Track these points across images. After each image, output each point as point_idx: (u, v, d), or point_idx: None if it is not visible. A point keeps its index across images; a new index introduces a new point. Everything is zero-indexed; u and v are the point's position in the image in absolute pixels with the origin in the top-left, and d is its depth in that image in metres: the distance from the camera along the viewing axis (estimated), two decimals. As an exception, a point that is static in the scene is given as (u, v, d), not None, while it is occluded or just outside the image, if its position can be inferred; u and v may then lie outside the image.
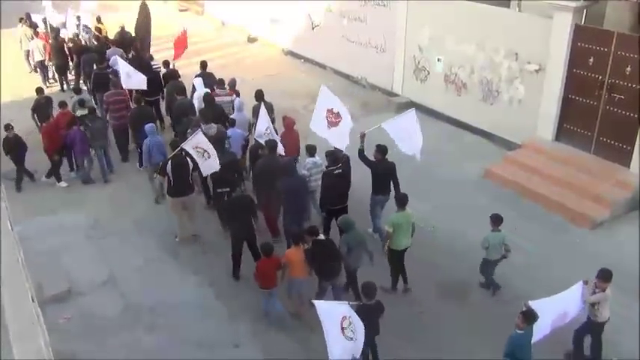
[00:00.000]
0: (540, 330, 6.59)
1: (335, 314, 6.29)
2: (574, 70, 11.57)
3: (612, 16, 11.87)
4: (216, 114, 11.13)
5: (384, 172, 9.56)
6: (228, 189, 9.39)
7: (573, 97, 11.73)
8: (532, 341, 6.50)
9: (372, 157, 9.66)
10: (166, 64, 14.07)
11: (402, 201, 8.52)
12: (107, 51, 15.33)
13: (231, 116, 11.27)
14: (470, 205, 11.06)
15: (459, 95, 14.29)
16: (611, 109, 11.11)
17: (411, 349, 7.87)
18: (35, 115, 12.88)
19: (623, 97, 10.88)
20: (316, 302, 6.41)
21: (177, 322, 8.46)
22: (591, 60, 11.23)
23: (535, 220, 10.61)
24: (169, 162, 9.63)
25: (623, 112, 10.92)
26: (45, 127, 11.99)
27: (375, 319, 6.84)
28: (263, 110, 10.48)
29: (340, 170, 9.35)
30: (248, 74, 13.90)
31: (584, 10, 11.36)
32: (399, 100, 15.87)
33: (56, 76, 17.24)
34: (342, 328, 6.25)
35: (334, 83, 17.79)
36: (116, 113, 12.56)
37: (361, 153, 9.64)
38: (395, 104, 15.73)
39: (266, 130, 10.26)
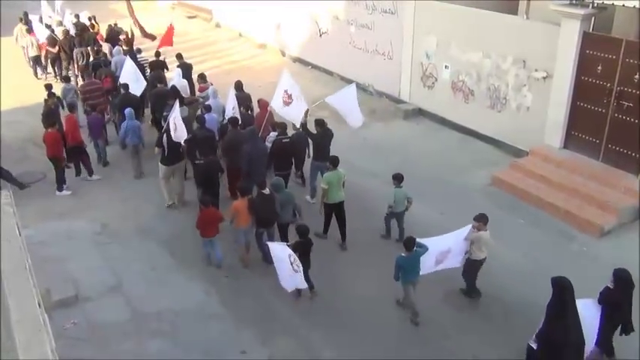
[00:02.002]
0: (427, 264, 8.09)
1: (284, 253, 8.04)
2: (582, 78, 11.54)
3: (621, 24, 11.83)
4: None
5: (322, 141, 11.02)
6: (203, 159, 10.65)
7: (581, 104, 11.69)
8: (421, 272, 8.06)
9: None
10: (157, 54, 15.75)
11: (333, 162, 9.94)
12: (113, 53, 16.04)
13: (207, 102, 12.66)
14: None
15: (467, 102, 14.27)
16: (620, 116, 11.06)
17: None
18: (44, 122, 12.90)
19: (631, 104, 10.83)
20: (270, 244, 8.54)
21: (183, 329, 8.45)
22: (599, 67, 11.20)
23: (542, 228, 10.57)
24: (164, 135, 10.96)
25: (632, 120, 10.87)
26: (50, 134, 11.79)
27: (307, 253, 8.51)
28: (231, 94, 12.19)
29: (288, 139, 10.97)
30: (255, 80, 13.97)
31: (593, 18, 11.33)
32: (406, 107, 15.87)
33: (50, 68, 18.47)
34: (291, 263, 7.93)
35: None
36: (91, 101, 13.48)
37: (304, 126, 11.20)
38: (402, 111, 15.75)
39: (232, 109, 11.93)
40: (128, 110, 12.28)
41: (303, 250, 8.44)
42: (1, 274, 2.80)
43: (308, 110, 11.29)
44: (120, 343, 8.21)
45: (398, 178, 9.80)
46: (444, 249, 8.21)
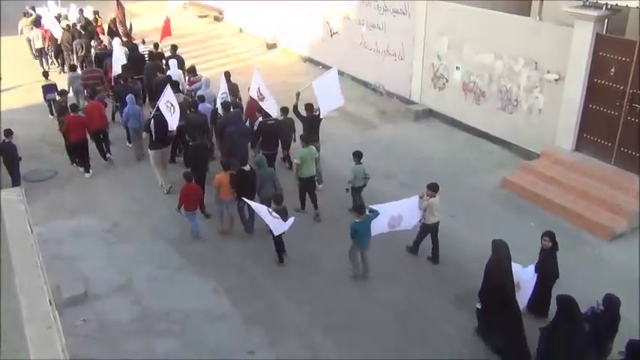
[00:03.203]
0: (378, 226, 9.01)
1: (263, 209, 9.13)
2: (595, 80, 11.45)
3: (634, 26, 11.72)
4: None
5: (311, 124, 11.90)
6: (193, 142, 11.54)
7: (594, 107, 11.59)
8: (372, 234, 8.98)
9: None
10: (156, 46, 16.79)
11: (306, 140, 10.89)
12: (114, 45, 16.81)
13: (199, 92, 13.42)
14: (487, 214, 10.98)
15: (478, 104, 14.21)
16: (633, 119, 10.96)
17: None
18: (58, 117, 13.39)
19: (644, 107, 10.75)
20: (252, 203, 9.39)
21: (191, 329, 8.47)
22: (612, 70, 11.10)
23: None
24: (152, 120, 11.71)
25: (645, 123, 10.79)
26: (73, 118, 12.35)
27: (283, 220, 9.20)
28: (223, 81, 13.07)
29: (273, 121, 11.84)
30: (265, 80, 13.98)
31: (606, 20, 11.25)
32: (416, 107, 15.83)
33: (55, 61, 19.31)
34: (270, 213, 9.03)
35: (351, 90, 17.83)
36: (92, 93, 13.88)
37: (295, 109, 12.01)
38: (413, 112, 15.70)
39: (222, 94, 12.73)
40: (129, 96, 13.03)
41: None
42: (13, 272, 2.81)
43: (299, 93, 12.16)
44: (128, 341, 8.23)
45: (357, 156, 10.63)
46: (394, 214, 9.17)
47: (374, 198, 10.45)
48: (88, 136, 12.72)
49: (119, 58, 15.30)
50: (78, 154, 12.81)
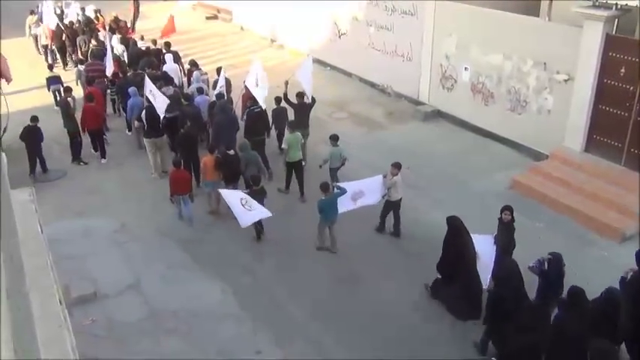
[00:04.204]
0: (345, 203, 9.71)
1: (234, 197, 9.55)
2: (604, 81, 11.39)
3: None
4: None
5: (301, 111, 12.62)
6: (183, 130, 12.15)
7: (603, 107, 11.54)
8: (340, 211, 9.67)
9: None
10: (154, 42, 17.57)
11: (291, 126, 11.69)
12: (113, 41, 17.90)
13: (197, 86, 14.05)
14: (495, 215, 10.90)
15: (487, 105, 14.17)
16: (643, 120, 10.91)
17: None
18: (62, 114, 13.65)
19: (655, 108, 10.68)
20: (221, 191, 10.04)
21: (199, 329, 8.50)
22: (622, 70, 11.05)
23: (562, 232, 10.43)
24: (144, 111, 12.50)
25: (655, 124, 10.72)
26: (90, 108, 13.22)
27: (261, 200, 9.75)
28: (222, 76, 13.91)
29: (259, 109, 12.45)
30: (273, 81, 14.02)
31: (616, 20, 11.19)
32: (425, 108, 15.79)
33: (58, 55, 20.00)
34: (242, 205, 9.37)
35: (359, 91, 17.84)
36: (95, 84, 14.88)
37: (285, 96, 12.74)
38: (421, 113, 15.67)
39: (220, 87, 13.56)
40: (132, 89, 13.47)
41: (257, 198, 9.69)
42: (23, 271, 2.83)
43: (287, 82, 12.92)
44: (137, 341, 8.28)
45: (334, 138, 11.39)
46: (357, 190, 9.87)
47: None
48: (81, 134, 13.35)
49: (118, 52, 16.46)
50: (94, 140, 13.64)
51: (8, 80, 11.56)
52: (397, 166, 10.04)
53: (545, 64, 12.45)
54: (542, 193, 11.43)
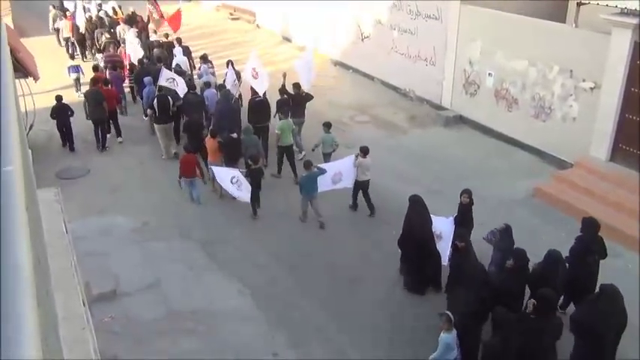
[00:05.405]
0: (324, 183, 10.60)
1: (226, 175, 10.62)
2: (632, 89, 11.20)
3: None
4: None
5: (296, 101, 13.26)
6: (188, 118, 13.22)
7: (630, 116, 11.34)
8: (320, 190, 10.59)
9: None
10: (166, 36, 18.76)
11: (285, 114, 12.53)
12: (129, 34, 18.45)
13: (204, 80, 14.87)
14: (518, 224, 10.73)
15: (510, 111, 14.02)
16: (671, 130, 10.70)
17: None
18: (85, 104, 14.12)
19: (683, 118, 10.47)
20: (214, 168, 10.97)
21: (217, 329, 8.52)
22: (651, 79, 10.86)
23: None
24: (155, 99, 13.25)
25: (684, 134, 10.51)
26: (111, 91, 14.55)
27: (259, 179, 11.07)
28: (230, 70, 14.29)
29: (260, 98, 13.16)
30: (292, 78, 14.05)
31: (645, 28, 11.00)
32: (447, 113, 15.69)
33: (78, 48, 21.39)
34: (232, 183, 10.48)
35: (381, 95, 17.78)
36: (113, 70, 16.22)
37: (283, 88, 13.43)
38: (443, 118, 15.57)
39: (233, 82, 14.01)
40: (148, 78, 14.27)
41: (254, 176, 10.88)
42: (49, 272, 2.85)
43: (285, 74, 13.67)
44: (155, 340, 8.32)
45: (327, 125, 12.16)
46: (336, 171, 10.74)
47: (400, 201, 10.35)
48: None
49: (134, 47, 17.15)
50: (112, 121, 14.53)
51: (36, 78, 11.72)
52: (365, 151, 10.86)
53: (571, 71, 12.28)
54: (566, 202, 11.26)
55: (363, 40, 19.27)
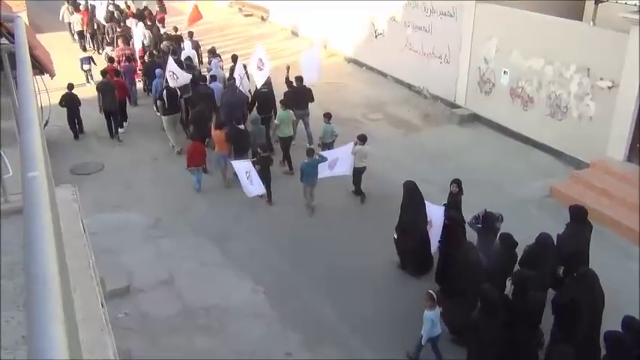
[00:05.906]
0: (324, 170, 10.94)
1: (242, 168, 10.85)
2: (650, 89, 11.06)
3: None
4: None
5: (301, 94, 13.43)
6: (195, 109, 13.46)
7: (648, 116, 11.20)
8: (319, 176, 10.96)
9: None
10: (175, 29, 18.84)
11: (285, 105, 12.62)
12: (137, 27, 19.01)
13: (211, 73, 15.18)
14: (533, 224, 10.66)
15: (526, 110, 13.88)
16: (690, 130, 10.55)
17: None
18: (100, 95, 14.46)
19: (703, 118, 10.31)
20: (233, 162, 11.24)
21: (230, 327, 8.52)
22: (670, 78, 10.70)
23: (602, 244, 10.10)
24: (164, 90, 13.47)
25: None
26: (121, 82, 14.92)
27: (267, 166, 11.35)
28: (239, 65, 14.29)
29: (266, 90, 13.51)
30: (307, 81, 14.02)
31: (665, 26, 10.84)
32: (461, 112, 15.58)
33: (91, 42, 21.87)
34: (246, 177, 10.74)
35: (395, 92, 17.69)
36: (124, 62, 16.54)
37: (287, 80, 13.78)
38: (457, 116, 15.46)
39: (240, 76, 13.99)
40: (159, 70, 14.45)
41: (263, 164, 11.20)
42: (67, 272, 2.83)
43: (289, 66, 14.32)
44: (169, 336, 8.34)
45: (327, 116, 12.46)
46: (334, 157, 11.05)
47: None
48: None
49: (139, 37, 18.03)
50: (121, 109, 14.90)
51: (52, 75, 11.75)
52: (362, 139, 11.22)
53: (588, 70, 12.13)
54: (582, 202, 11.07)
55: (376, 37, 19.17)
